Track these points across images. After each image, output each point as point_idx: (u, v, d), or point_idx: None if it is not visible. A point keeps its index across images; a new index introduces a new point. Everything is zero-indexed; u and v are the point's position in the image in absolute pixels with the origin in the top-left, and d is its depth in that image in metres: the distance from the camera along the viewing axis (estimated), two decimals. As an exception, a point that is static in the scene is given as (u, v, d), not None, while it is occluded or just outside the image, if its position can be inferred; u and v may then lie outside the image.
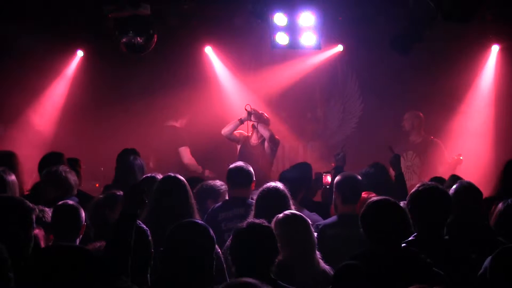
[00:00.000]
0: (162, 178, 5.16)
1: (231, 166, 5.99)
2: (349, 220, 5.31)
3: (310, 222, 4.49)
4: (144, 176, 5.76)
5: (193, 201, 5.06)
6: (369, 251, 4.01)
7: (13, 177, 5.36)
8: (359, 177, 5.67)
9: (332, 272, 4.30)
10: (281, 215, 4.43)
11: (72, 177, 5.92)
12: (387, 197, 4.22)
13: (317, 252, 4.43)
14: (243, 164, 5.96)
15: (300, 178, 6.32)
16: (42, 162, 6.69)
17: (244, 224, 3.97)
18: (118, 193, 5.15)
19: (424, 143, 9.47)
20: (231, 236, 4.00)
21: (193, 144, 9.92)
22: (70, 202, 4.85)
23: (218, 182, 6.15)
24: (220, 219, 5.58)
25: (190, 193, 5.08)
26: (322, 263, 4.39)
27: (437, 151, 9.42)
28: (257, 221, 4.01)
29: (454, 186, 4.83)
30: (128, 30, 8.16)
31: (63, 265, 2.77)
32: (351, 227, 5.25)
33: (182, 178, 5.13)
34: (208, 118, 10.25)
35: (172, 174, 5.15)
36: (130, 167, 6.57)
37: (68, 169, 6.00)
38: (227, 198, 5.97)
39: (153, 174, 5.64)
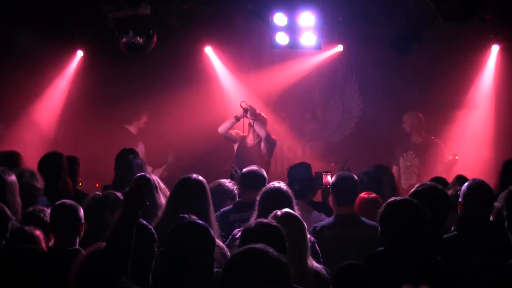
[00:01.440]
0: (181, 180, 5.13)
1: (245, 170, 5.99)
2: (345, 221, 5.31)
3: (304, 223, 4.48)
4: (137, 175, 5.63)
5: (210, 204, 5.04)
6: (385, 251, 4.01)
7: (13, 177, 5.32)
8: (355, 178, 5.64)
9: (324, 271, 4.30)
10: (278, 212, 4.43)
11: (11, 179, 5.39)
12: (406, 197, 4.22)
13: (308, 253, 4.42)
14: (257, 168, 5.97)
15: (309, 178, 6.33)
16: (42, 162, 6.70)
17: (253, 223, 3.96)
18: (119, 195, 5.14)
19: (424, 143, 9.47)
20: (239, 235, 3.99)
21: (192, 144, 9.95)
22: (68, 201, 4.85)
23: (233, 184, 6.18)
24: (233, 220, 5.57)
25: (209, 195, 5.07)
26: (314, 263, 4.38)
27: (437, 151, 9.41)
28: (265, 220, 3.99)
29: (466, 184, 4.83)
30: (128, 30, 8.16)
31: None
32: (348, 228, 5.26)
33: (202, 179, 5.11)
34: (208, 117, 10.27)
35: (193, 176, 5.14)
36: (129, 166, 6.56)
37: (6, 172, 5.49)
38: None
39: (145, 174, 5.55)
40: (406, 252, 3.91)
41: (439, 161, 9.28)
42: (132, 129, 10.44)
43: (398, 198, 4.17)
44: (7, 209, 4.45)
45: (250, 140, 8.99)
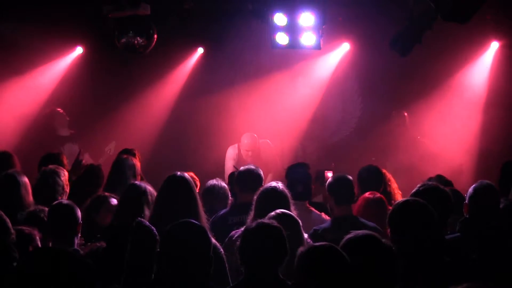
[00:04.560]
0: (167, 178, 5.12)
1: (241, 169, 5.97)
2: (345, 223, 5.31)
3: (300, 222, 4.48)
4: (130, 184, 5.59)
5: (198, 200, 5.03)
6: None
7: (25, 178, 5.49)
8: (351, 178, 5.66)
9: None
10: (272, 213, 4.44)
11: (60, 178, 5.88)
12: (416, 198, 4.22)
13: None
14: (253, 168, 5.91)
15: (310, 179, 6.33)
16: (41, 163, 6.71)
17: (253, 224, 3.95)
18: (103, 195, 5.16)
19: (411, 144, 9.46)
20: (240, 235, 3.98)
21: (190, 144, 9.95)
22: (65, 201, 4.86)
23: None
24: (232, 223, 5.54)
25: (196, 192, 5.05)
26: None
27: (424, 150, 9.39)
28: (266, 221, 3.99)
29: (473, 185, 4.84)
30: (128, 30, 8.17)
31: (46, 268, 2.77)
32: (347, 229, 5.25)
33: (187, 176, 5.09)
34: (208, 118, 10.28)
35: (178, 174, 5.11)
36: (120, 168, 6.51)
37: (55, 170, 5.93)
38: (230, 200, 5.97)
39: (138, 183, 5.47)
40: (415, 252, 3.91)
41: (425, 160, 9.23)
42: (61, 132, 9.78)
43: (406, 198, 4.20)
44: (8, 222, 4.44)
45: (244, 153, 9.02)
